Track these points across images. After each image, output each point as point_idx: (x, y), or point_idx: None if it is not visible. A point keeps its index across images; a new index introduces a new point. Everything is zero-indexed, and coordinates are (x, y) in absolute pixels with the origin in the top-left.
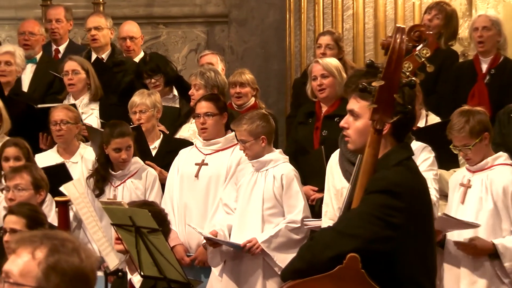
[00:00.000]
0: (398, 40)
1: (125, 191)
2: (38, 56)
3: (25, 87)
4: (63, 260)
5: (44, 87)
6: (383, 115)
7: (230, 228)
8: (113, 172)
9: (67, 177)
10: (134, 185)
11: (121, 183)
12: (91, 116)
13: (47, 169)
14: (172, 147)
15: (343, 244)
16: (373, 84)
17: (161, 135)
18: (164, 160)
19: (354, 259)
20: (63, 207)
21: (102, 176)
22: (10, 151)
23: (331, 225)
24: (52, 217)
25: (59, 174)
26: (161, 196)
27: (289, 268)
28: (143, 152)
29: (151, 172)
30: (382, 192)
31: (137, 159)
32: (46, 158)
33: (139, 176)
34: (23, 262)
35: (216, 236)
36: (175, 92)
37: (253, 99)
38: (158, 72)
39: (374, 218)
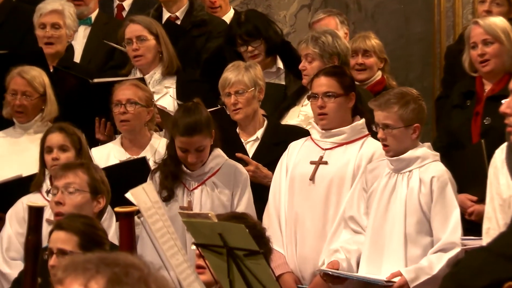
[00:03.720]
0: None
1: (205, 197)
2: (93, 15)
3: (76, 57)
4: None
5: (102, 58)
6: None
7: (359, 255)
8: (187, 170)
9: (137, 178)
10: (218, 187)
11: (198, 185)
12: (166, 97)
13: (114, 168)
14: (280, 138)
15: (501, 270)
16: None
17: (265, 123)
18: (269, 155)
19: None
20: (128, 220)
21: (171, 172)
22: (54, 138)
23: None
24: (112, 234)
25: (125, 174)
26: (252, 205)
27: None
28: (230, 142)
29: (241, 170)
30: None
31: (219, 151)
32: (105, 153)
33: (223, 176)
34: None
35: (338, 268)
36: (280, 64)
37: (379, 73)
38: (257, 37)
39: None
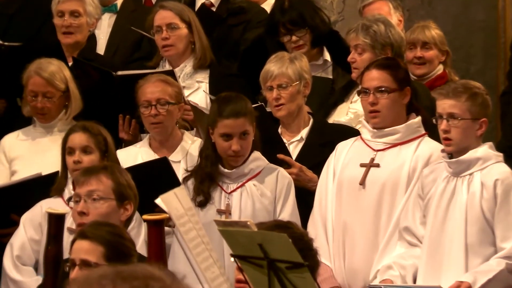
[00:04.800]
0: None
1: (245, 199)
2: (119, 2)
3: (100, 48)
4: None
5: (128, 49)
6: None
7: (416, 271)
8: (224, 170)
9: (158, 181)
10: (259, 190)
11: (237, 188)
12: (198, 92)
13: (134, 169)
14: (326, 138)
15: None
16: None
17: (311, 121)
18: (314, 157)
19: None
20: (157, 229)
21: (207, 174)
22: (76, 138)
23: None
24: (141, 244)
25: (155, 178)
26: (297, 213)
27: None
28: (271, 143)
29: (284, 174)
30: None
31: (259, 154)
32: (131, 156)
33: (265, 179)
34: None
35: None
36: (327, 55)
37: (441, 66)
38: (302, 26)
39: None
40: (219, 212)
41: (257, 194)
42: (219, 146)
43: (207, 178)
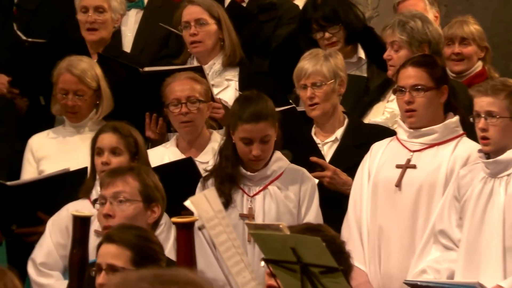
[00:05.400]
0: None
1: (268, 203)
2: None
3: (127, 45)
4: None
5: (156, 46)
6: None
7: (452, 274)
8: (246, 172)
9: (183, 181)
10: (282, 192)
11: (260, 190)
12: (228, 90)
13: (158, 170)
14: (362, 139)
15: None
16: None
17: (346, 121)
18: (349, 158)
19: None
20: (187, 232)
21: (228, 175)
22: (106, 139)
23: None
24: (170, 249)
25: (179, 178)
26: (321, 216)
27: None
28: (303, 144)
29: (307, 176)
30: None
31: (280, 154)
32: (158, 156)
33: (288, 180)
34: None
35: None
36: (361, 53)
37: (480, 63)
38: (335, 22)
39: None
40: (242, 216)
41: (281, 196)
42: (240, 149)
43: (227, 179)
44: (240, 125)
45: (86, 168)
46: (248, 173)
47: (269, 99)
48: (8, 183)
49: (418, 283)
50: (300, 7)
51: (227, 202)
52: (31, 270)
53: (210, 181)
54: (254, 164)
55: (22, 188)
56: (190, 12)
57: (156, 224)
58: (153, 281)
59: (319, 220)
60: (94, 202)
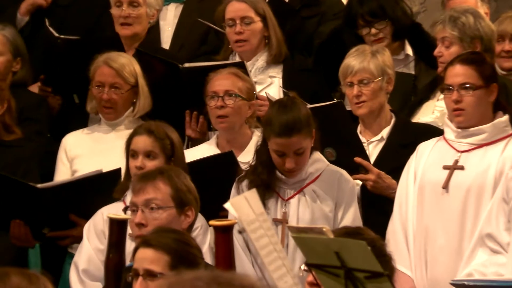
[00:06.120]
0: None
1: (303, 207)
2: None
3: (165, 41)
4: None
5: (195, 42)
6: None
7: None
8: (281, 176)
9: (222, 177)
10: (318, 196)
11: (294, 194)
12: (271, 87)
13: (197, 164)
14: (409, 139)
15: None
16: None
17: (393, 120)
18: (395, 159)
19: None
20: (226, 235)
21: (263, 181)
22: (140, 142)
23: None
24: (205, 252)
25: (219, 174)
26: (360, 220)
27: None
28: (348, 144)
29: (346, 178)
30: None
31: (319, 155)
32: (197, 156)
33: (325, 183)
34: None
35: None
36: (409, 50)
37: None
38: (382, 17)
39: None
40: (275, 221)
41: (317, 200)
42: (274, 159)
43: (262, 185)
44: (272, 137)
45: (119, 169)
46: (284, 177)
47: (304, 104)
48: (39, 185)
49: (465, 282)
50: (344, 3)
51: None
52: (73, 275)
53: (245, 183)
54: (289, 175)
55: (53, 191)
56: (235, 9)
57: (191, 227)
58: (210, 281)
59: (357, 224)
60: (125, 210)
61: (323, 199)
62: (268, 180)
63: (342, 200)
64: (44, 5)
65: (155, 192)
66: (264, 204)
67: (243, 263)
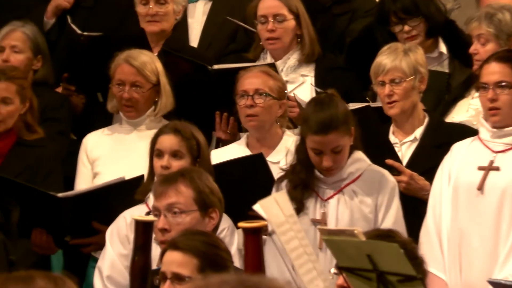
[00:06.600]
0: None
1: (342, 207)
2: None
3: (193, 38)
4: None
5: (224, 40)
6: None
7: None
8: (320, 175)
9: (264, 182)
10: (358, 197)
11: (334, 194)
12: (303, 86)
13: (225, 166)
14: (443, 139)
15: None
16: None
17: (426, 119)
18: (428, 160)
19: None
20: (255, 238)
21: (302, 181)
22: (166, 141)
23: None
24: (233, 254)
25: (248, 176)
26: (402, 220)
27: None
28: (379, 145)
29: (387, 178)
30: None
31: (360, 155)
32: (227, 156)
33: (366, 183)
34: None
35: None
36: (443, 47)
37: None
38: (415, 14)
39: None
40: (314, 222)
41: (356, 201)
42: (311, 157)
43: (301, 185)
44: (309, 135)
45: (142, 176)
46: (322, 176)
47: (342, 102)
48: (60, 194)
49: (502, 281)
50: (377, 0)
51: (299, 209)
52: (97, 280)
53: (284, 183)
54: (327, 173)
55: (75, 200)
56: (268, 6)
57: (216, 229)
58: (237, 285)
59: (399, 226)
60: (147, 215)
61: (363, 199)
62: (306, 179)
63: (383, 202)
64: (67, 6)
65: (177, 196)
66: (303, 204)
67: (280, 266)
